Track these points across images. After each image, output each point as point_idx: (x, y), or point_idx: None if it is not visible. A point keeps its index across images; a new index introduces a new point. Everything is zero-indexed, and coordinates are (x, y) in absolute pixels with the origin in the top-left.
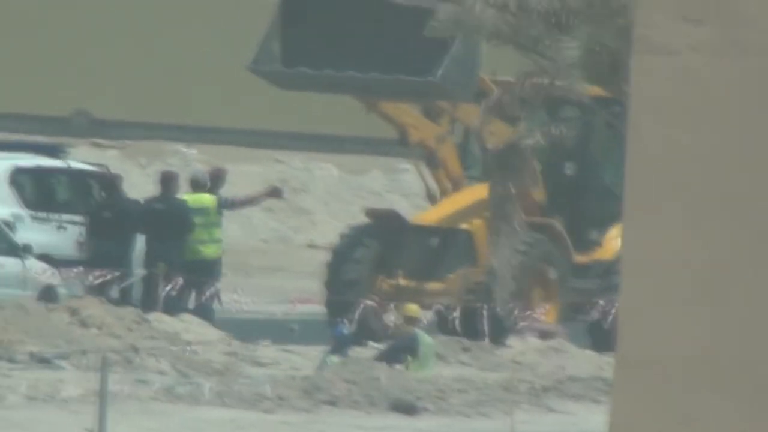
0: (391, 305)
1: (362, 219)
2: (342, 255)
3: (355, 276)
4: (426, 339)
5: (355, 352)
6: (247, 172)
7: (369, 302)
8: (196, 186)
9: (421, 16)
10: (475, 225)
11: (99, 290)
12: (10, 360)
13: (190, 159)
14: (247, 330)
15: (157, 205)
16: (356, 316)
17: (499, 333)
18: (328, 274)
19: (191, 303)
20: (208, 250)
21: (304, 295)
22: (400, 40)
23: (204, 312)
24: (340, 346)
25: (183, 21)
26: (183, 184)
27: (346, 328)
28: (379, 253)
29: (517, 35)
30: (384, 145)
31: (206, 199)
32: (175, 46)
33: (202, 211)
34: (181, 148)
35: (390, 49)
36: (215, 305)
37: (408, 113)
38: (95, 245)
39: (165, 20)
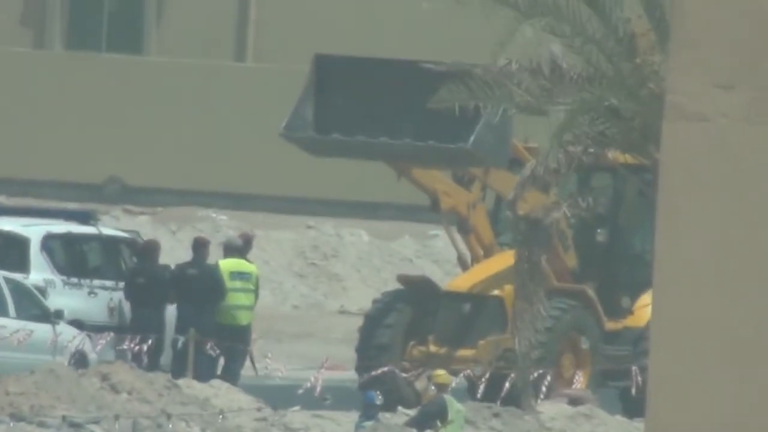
0: (422, 371)
1: (393, 285)
2: (374, 320)
3: (386, 341)
4: (455, 405)
5: (386, 418)
6: (278, 238)
7: (398, 369)
8: (230, 251)
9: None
10: (507, 291)
11: (130, 356)
12: (41, 425)
13: (220, 225)
14: (278, 396)
15: (190, 270)
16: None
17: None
18: (360, 339)
19: (220, 368)
20: (243, 316)
21: (335, 362)
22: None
23: (233, 377)
24: (371, 412)
25: (213, 89)
26: (213, 249)
27: (378, 395)
28: (410, 319)
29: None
30: (415, 211)
31: (248, 265)
32: (206, 114)
33: (243, 276)
34: (211, 213)
35: (422, 115)
36: (251, 371)
37: (440, 180)
38: (127, 311)
39: (195, 88)
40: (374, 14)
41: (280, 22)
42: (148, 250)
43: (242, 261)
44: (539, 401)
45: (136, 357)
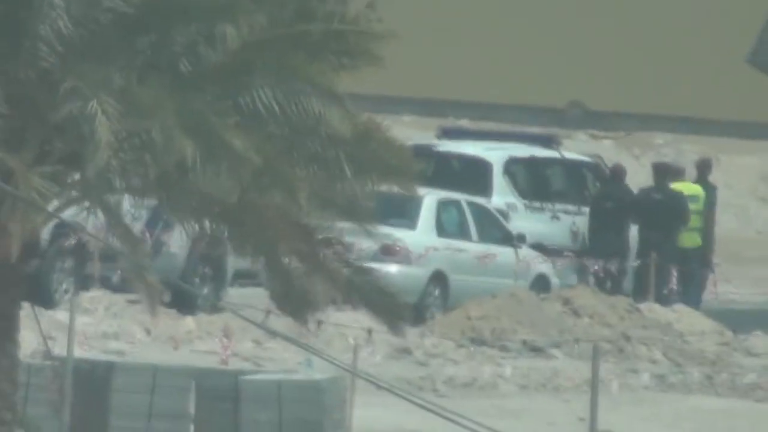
0: None
1: None
2: None
3: None
4: None
5: None
6: (742, 163)
7: None
8: (677, 173)
9: None
10: None
11: (593, 280)
12: (503, 348)
13: (683, 150)
14: (740, 320)
15: (654, 195)
16: None
17: None
18: None
19: (681, 293)
20: (695, 240)
21: None
22: None
23: (693, 301)
24: None
25: (677, 13)
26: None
27: None
28: None
29: None
30: None
31: (697, 188)
32: (668, 38)
33: (693, 198)
34: (657, 140)
35: None
36: (709, 295)
37: None
38: (590, 235)
39: (659, 13)
40: None
41: None
42: (616, 174)
43: (691, 184)
44: None
45: (600, 281)
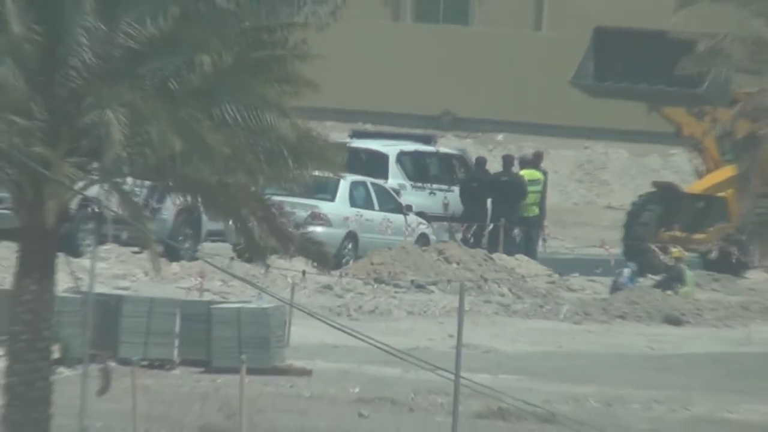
0: (667, 249)
1: (646, 189)
2: (634, 215)
3: (642, 230)
4: (689, 272)
5: (640, 282)
6: (564, 155)
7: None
8: (524, 163)
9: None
10: (729, 194)
11: (459, 237)
12: (396, 286)
13: (523, 146)
14: (563, 266)
15: (503, 177)
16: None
17: (741, 269)
18: (625, 229)
19: (522, 247)
20: (534, 210)
21: (604, 243)
22: (676, 63)
23: (531, 253)
24: (629, 280)
25: (519, 43)
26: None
27: (632, 266)
28: (661, 213)
29: (757, 65)
30: (661, 136)
31: (538, 174)
32: (510, 62)
33: (534, 182)
34: (498, 137)
35: (670, 70)
36: (540, 247)
37: (682, 114)
38: (455, 206)
39: (503, 45)
40: None
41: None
42: (479, 163)
43: (533, 171)
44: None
45: (464, 239)
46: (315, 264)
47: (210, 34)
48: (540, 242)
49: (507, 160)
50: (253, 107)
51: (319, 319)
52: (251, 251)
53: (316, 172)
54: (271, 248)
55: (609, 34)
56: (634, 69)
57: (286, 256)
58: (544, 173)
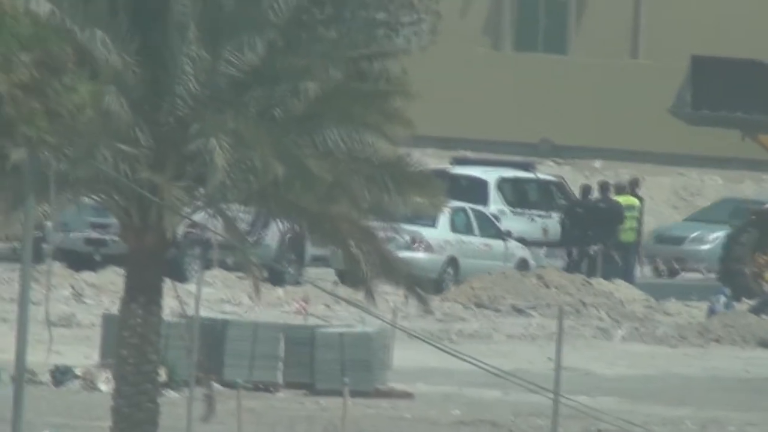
0: (765, 273)
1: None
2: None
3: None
4: None
5: (735, 307)
6: (659, 182)
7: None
8: (619, 189)
9: None
10: None
11: (560, 263)
12: (496, 310)
13: (620, 174)
14: (660, 291)
15: (600, 204)
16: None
17: None
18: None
19: (620, 272)
20: (631, 236)
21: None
22: None
23: (628, 278)
24: (728, 303)
25: (616, 74)
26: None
27: (727, 291)
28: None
29: None
30: (756, 163)
31: (633, 200)
32: (608, 93)
33: (630, 208)
34: (595, 164)
35: (766, 98)
36: (637, 272)
37: None
38: (554, 231)
39: (601, 76)
40: (742, 17)
41: (666, 26)
42: (585, 190)
43: (629, 197)
44: None
45: (570, 263)
46: (415, 294)
47: (314, 62)
48: (637, 267)
49: (604, 187)
50: (355, 133)
51: (423, 341)
52: (355, 276)
53: (418, 199)
54: (375, 274)
55: (706, 63)
56: (730, 97)
57: (390, 282)
58: (641, 199)
